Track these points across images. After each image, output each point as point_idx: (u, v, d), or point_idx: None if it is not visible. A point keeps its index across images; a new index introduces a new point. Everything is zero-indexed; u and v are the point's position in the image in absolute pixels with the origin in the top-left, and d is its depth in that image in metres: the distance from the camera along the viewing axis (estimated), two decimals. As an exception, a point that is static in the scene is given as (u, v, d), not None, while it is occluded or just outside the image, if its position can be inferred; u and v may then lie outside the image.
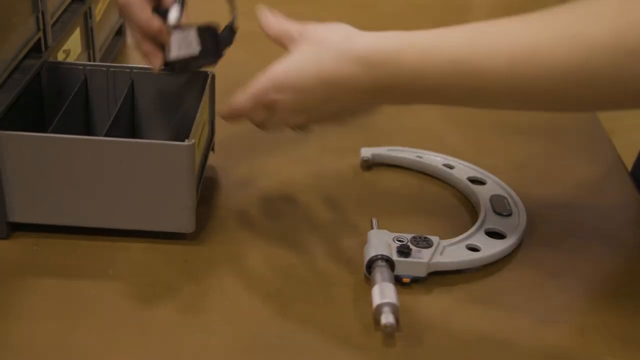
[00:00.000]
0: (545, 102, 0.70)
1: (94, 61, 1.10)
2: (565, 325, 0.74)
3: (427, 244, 0.79)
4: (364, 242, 0.80)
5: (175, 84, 0.91)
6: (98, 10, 1.11)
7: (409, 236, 0.80)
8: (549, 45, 0.66)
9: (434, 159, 0.95)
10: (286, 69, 0.76)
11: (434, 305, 0.76)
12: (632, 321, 0.75)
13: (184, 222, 0.81)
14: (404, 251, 0.78)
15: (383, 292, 0.73)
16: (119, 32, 1.25)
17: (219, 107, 0.82)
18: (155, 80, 0.91)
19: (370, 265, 0.77)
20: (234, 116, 0.80)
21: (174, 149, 0.78)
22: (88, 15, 1.06)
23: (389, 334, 0.71)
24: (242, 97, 0.79)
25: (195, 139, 0.78)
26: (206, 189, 0.91)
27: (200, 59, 0.88)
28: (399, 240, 0.79)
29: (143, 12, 0.84)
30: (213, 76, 0.91)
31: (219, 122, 0.90)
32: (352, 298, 0.76)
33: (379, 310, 0.72)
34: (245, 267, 0.80)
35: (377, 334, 0.72)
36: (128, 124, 0.92)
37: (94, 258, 0.80)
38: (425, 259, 0.77)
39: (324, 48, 0.75)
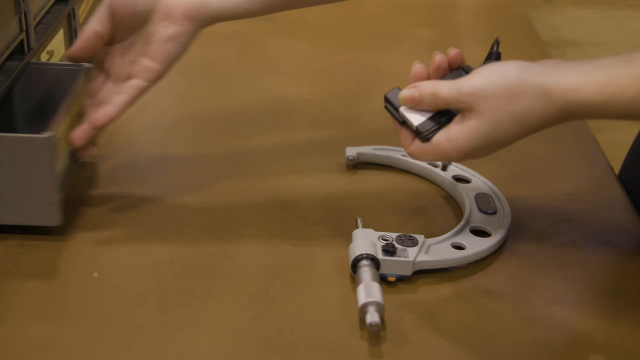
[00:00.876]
0: None
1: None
2: (551, 322, 0.74)
3: (412, 242, 0.79)
4: (349, 241, 0.80)
5: (56, 78, 0.90)
6: (81, 12, 1.11)
7: (394, 235, 0.80)
8: None
9: None
10: (475, 139, 0.76)
11: (420, 303, 0.76)
12: (617, 318, 0.75)
13: (48, 216, 0.80)
14: (389, 250, 0.78)
15: (368, 291, 0.73)
16: (103, 33, 1.25)
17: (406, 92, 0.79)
18: (38, 75, 0.89)
19: (356, 264, 0.77)
20: (423, 97, 0.78)
21: (31, 142, 0.76)
22: (71, 16, 1.06)
23: (375, 333, 0.71)
24: (444, 86, 0.77)
25: (55, 132, 0.76)
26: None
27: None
28: (384, 239, 0.79)
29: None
30: (89, 69, 0.89)
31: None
32: (338, 297, 0.76)
33: (364, 309, 0.72)
34: (231, 268, 0.80)
35: (363, 333, 0.72)
36: (7, 119, 0.90)
37: (79, 260, 0.80)
38: (410, 258, 0.77)
39: (512, 109, 0.75)
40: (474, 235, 0.83)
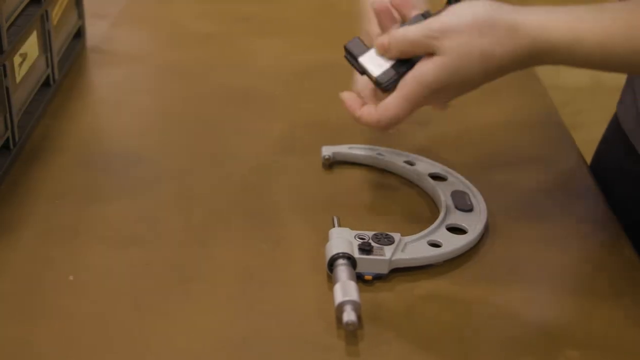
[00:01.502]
0: None
1: (53, 65, 1.09)
2: (527, 319, 0.75)
3: (389, 240, 0.79)
4: (326, 240, 0.80)
5: None
6: (55, 14, 1.10)
7: (370, 233, 0.80)
8: None
9: (395, 157, 0.96)
10: (441, 74, 0.77)
11: (397, 301, 0.76)
12: (592, 313, 0.76)
13: None
14: (365, 249, 0.78)
15: (345, 290, 0.73)
16: (78, 35, 1.24)
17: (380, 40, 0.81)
18: None
19: (332, 263, 0.77)
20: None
21: None
22: (45, 19, 1.05)
23: (352, 332, 0.71)
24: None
25: None
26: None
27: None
28: (361, 238, 0.79)
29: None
30: (3, 67, 0.89)
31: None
32: (315, 296, 0.76)
33: (340, 308, 0.72)
34: (208, 268, 0.80)
35: (340, 332, 0.72)
36: None
37: (54, 263, 0.79)
38: (386, 256, 0.78)
39: (478, 44, 0.76)
40: (450, 233, 0.83)
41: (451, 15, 0.77)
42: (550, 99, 1.14)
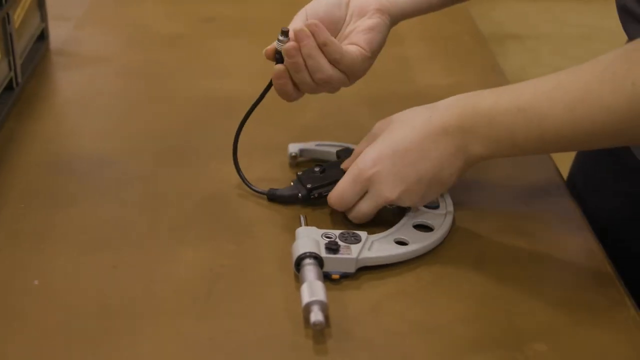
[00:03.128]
0: (605, 140, 0.76)
1: (15, 68, 1.08)
2: (493, 313, 0.75)
3: (355, 239, 0.79)
4: (293, 239, 0.80)
5: None
6: (17, 16, 1.09)
7: (337, 232, 0.80)
8: (598, 90, 0.73)
9: None
10: (381, 143, 0.83)
11: (364, 299, 0.76)
12: (558, 307, 0.76)
13: None
14: (332, 248, 0.78)
15: (312, 290, 0.73)
16: (41, 38, 1.24)
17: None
18: None
19: (299, 263, 0.77)
20: (343, 204, 0.84)
21: None
22: (6, 21, 1.05)
23: (319, 331, 0.71)
24: (343, 184, 0.84)
25: None
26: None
27: None
28: (327, 237, 0.79)
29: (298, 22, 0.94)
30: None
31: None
32: (282, 296, 0.76)
33: (307, 308, 0.72)
34: (174, 270, 0.79)
35: (308, 331, 0.72)
36: None
37: (19, 267, 0.79)
38: (353, 255, 0.78)
39: (411, 119, 0.83)
40: (417, 230, 0.83)
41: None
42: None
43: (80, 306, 0.74)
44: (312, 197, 0.88)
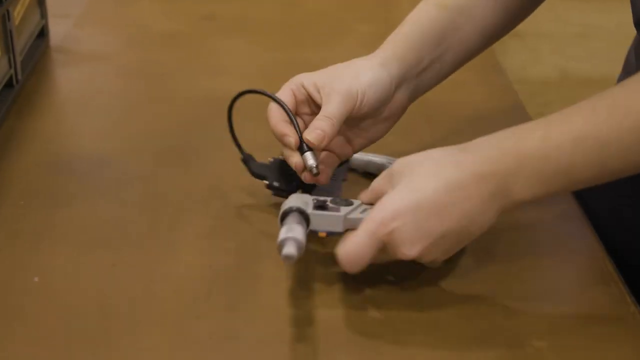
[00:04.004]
0: None
1: (15, 66, 1.08)
2: (493, 310, 0.75)
3: (347, 203, 0.77)
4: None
5: None
6: (17, 13, 1.09)
7: (329, 198, 0.79)
8: None
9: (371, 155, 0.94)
10: (403, 193, 0.72)
11: (363, 296, 0.76)
12: (558, 304, 0.76)
13: None
14: (320, 205, 0.77)
15: (289, 229, 0.72)
16: (41, 35, 1.23)
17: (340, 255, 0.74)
18: None
19: (284, 218, 0.76)
20: (355, 267, 0.73)
21: None
22: (6, 18, 1.04)
23: (289, 265, 0.72)
24: (357, 243, 0.73)
25: None
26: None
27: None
28: (318, 200, 0.78)
29: (275, 116, 0.83)
30: None
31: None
32: (283, 294, 0.76)
33: (281, 244, 0.71)
34: (174, 268, 0.79)
35: (308, 330, 0.72)
36: None
37: (19, 264, 0.79)
38: (341, 213, 0.76)
39: (437, 163, 0.74)
40: None
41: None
42: (515, 93, 1.15)
43: (80, 305, 0.74)
44: (272, 188, 0.87)
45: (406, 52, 0.86)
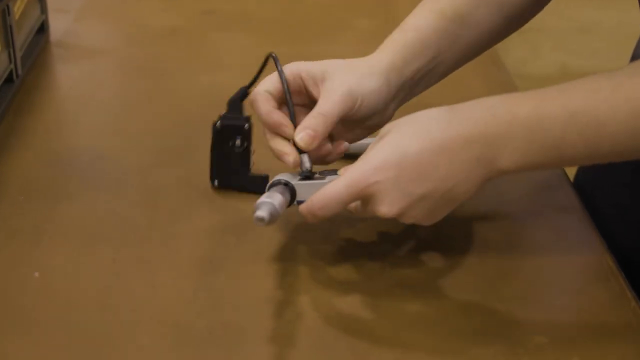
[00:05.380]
0: None
1: (15, 61, 1.08)
2: (494, 306, 0.75)
3: (333, 173, 0.77)
4: (294, 233, 0.80)
5: None
6: (17, 8, 1.09)
7: (319, 172, 0.78)
8: None
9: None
10: (388, 149, 0.72)
11: (364, 291, 0.76)
12: (559, 300, 0.76)
13: None
14: (306, 176, 0.77)
15: (269, 196, 0.73)
16: (41, 30, 1.23)
17: (302, 207, 0.74)
18: None
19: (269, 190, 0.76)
20: (326, 211, 0.73)
21: None
22: (6, 13, 1.04)
23: (259, 227, 0.72)
24: (334, 188, 0.72)
25: None
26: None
27: None
28: (304, 172, 0.78)
29: (264, 105, 0.80)
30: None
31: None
32: (283, 289, 0.76)
33: (256, 207, 0.72)
34: (174, 263, 0.79)
35: (308, 325, 0.72)
36: None
37: (19, 260, 0.78)
38: (327, 181, 0.75)
39: (425, 122, 0.72)
40: None
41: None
42: (516, 88, 1.15)
43: (80, 300, 0.74)
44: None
45: (405, 65, 0.83)
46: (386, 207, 0.71)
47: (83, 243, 0.81)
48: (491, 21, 0.87)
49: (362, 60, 0.84)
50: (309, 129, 0.78)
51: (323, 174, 0.78)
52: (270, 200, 0.72)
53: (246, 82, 0.86)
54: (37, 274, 0.77)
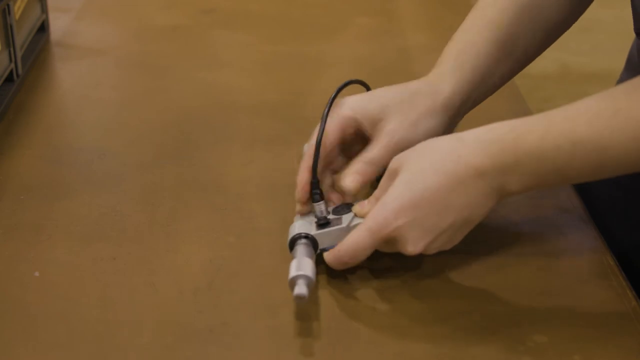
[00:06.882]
0: None
1: (16, 60, 1.08)
2: (494, 305, 0.75)
3: (347, 209, 0.78)
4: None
5: None
6: (17, 7, 1.09)
7: (331, 209, 0.79)
8: None
9: None
10: (403, 189, 0.73)
11: (364, 292, 0.76)
12: (559, 299, 0.76)
13: None
14: (322, 223, 0.77)
15: (299, 266, 0.73)
16: (41, 29, 1.23)
17: (328, 256, 0.75)
18: None
19: (293, 245, 0.77)
20: (356, 260, 0.75)
21: None
22: (7, 12, 1.04)
23: (300, 305, 0.72)
24: (359, 238, 0.74)
25: None
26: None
27: None
28: (319, 218, 0.79)
29: (306, 161, 0.80)
30: None
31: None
32: (282, 288, 0.75)
33: (292, 282, 0.72)
34: (174, 262, 0.79)
35: (307, 325, 0.72)
36: None
37: (19, 259, 0.79)
38: (344, 224, 0.77)
39: (436, 157, 0.74)
40: None
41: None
42: (516, 87, 1.15)
43: (80, 297, 0.74)
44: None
45: (465, 95, 0.84)
46: (411, 247, 0.73)
47: (83, 240, 0.81)
48: (533, 43, 0.90)
49: (423, 94, 0.83)
50: (357, 174, 0.79)
51: (338, 213, 0.78)
52: (304, 272, 0.72)
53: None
54: (37, 274, 0.77)
